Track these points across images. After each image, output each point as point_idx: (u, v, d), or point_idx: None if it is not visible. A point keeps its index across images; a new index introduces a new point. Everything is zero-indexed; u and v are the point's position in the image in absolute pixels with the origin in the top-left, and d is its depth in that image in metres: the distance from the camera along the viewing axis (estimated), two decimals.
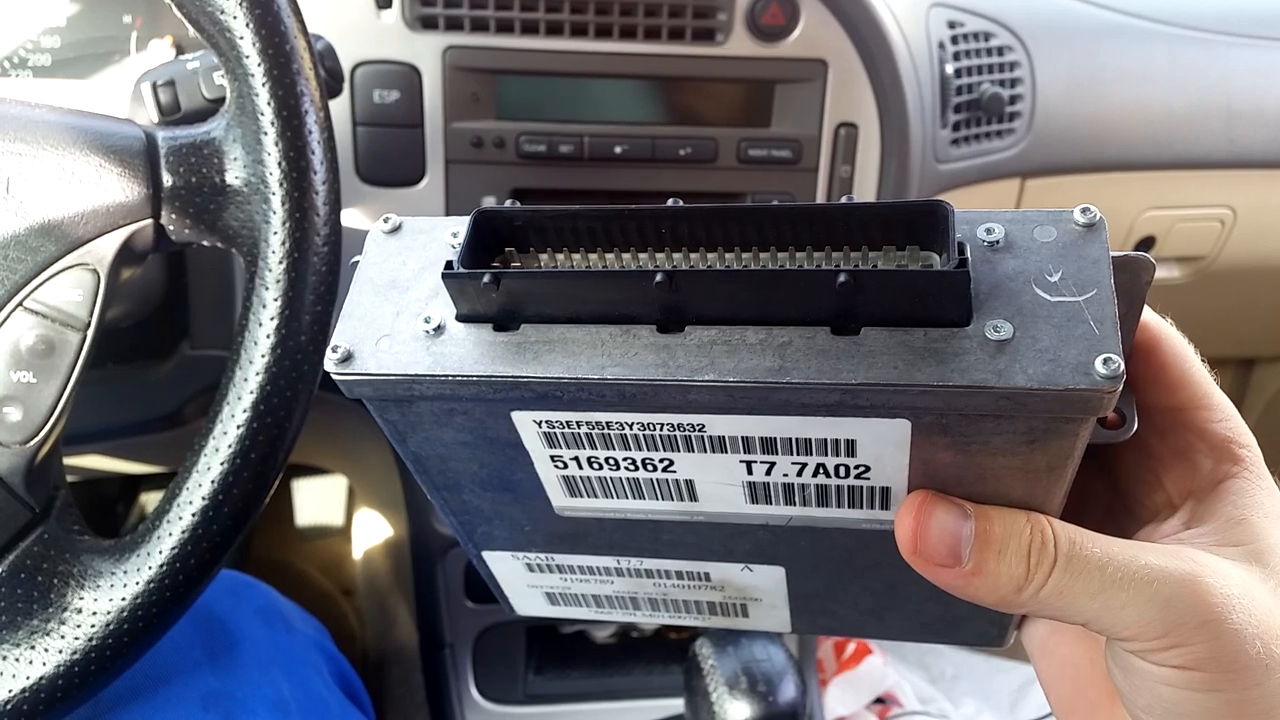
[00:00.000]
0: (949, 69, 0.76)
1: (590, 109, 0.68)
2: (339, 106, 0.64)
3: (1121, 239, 0.95)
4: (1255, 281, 1.04)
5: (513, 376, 0.26)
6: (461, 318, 0.27)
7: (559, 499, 0.31)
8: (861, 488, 0.28)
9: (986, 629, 0.36)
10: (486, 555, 0.37)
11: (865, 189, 0.70)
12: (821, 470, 0.28)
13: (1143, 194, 0.92)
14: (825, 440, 0.27)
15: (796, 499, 0.29)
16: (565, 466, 0.30)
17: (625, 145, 0.67)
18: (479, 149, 0.66)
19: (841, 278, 0.23)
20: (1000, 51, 0.81)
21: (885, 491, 0.29)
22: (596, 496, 0.31)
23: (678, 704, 0.68)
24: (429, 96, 0.65)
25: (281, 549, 1.21)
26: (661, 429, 0.27)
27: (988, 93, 0.78)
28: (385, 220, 0.30)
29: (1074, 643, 0.34)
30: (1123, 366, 0.23)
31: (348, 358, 0.27)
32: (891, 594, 0.35)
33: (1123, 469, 0.32)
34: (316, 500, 1.24)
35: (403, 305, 0.28)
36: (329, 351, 0.27)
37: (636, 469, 0.29)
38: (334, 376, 0.27)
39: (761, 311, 0.25)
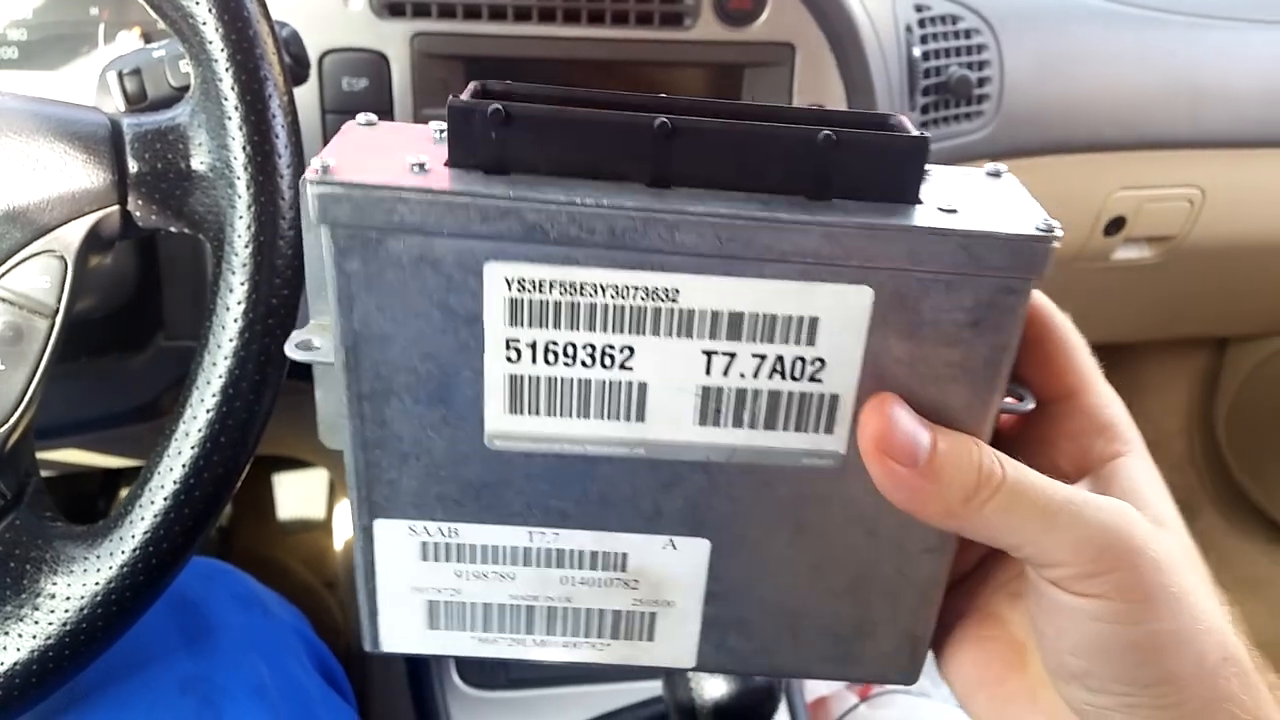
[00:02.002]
0: (916, 52, 0.77)
1: None
2: (309, 95, 0.64)
3: (1092, 219, 0.96)
4: (1226, 261, 1.05)
5: (506, 196, 0.27)
6: (452, 163, 0.28)
7: (495, 418, 0.31)
8: (812, 397, 0.30)
9: (900, 646, 0.36)
10: (378, 526, 0.33)
11: None
12: (779, 368, 0.30)
13: (1113, 174, 0.93)
14: (790, 319, 0.29)
15: (745, 418, 0.31)
16: (519, 358, 0.29)
17: None
18: None
19: (824, 132, 0.27)
20: (968, 34, 0.82)
21: (834, 404, 0.30)
22: (539, 414, 0.31)
23: (656, 685, 0.69)
24: (398, 84, 0.65)
25: (263, 543, 1.21)
26: (634, 295, 0.28)
27: (955, 75, 0.79)
28: (361, 115, 0.30)
29: (984, 643, 0.35)
30: (1059, 228, 0.27)
31: (326, 170, 0.27)
32: (815, 575, 0.34)
33: (1019, 456, 0.34)
34: (298, 494, 1.24)
35: (388, 155, 0.28)
36: (309, 171, 0.27)
37: (593, 363, 0.30)
38: (311, 190, 0.27)
39: (747, 170, 0.28)
